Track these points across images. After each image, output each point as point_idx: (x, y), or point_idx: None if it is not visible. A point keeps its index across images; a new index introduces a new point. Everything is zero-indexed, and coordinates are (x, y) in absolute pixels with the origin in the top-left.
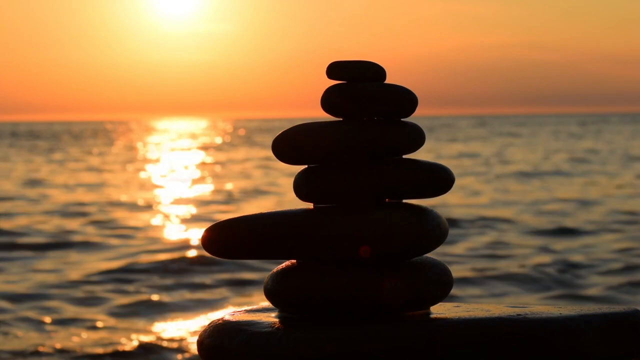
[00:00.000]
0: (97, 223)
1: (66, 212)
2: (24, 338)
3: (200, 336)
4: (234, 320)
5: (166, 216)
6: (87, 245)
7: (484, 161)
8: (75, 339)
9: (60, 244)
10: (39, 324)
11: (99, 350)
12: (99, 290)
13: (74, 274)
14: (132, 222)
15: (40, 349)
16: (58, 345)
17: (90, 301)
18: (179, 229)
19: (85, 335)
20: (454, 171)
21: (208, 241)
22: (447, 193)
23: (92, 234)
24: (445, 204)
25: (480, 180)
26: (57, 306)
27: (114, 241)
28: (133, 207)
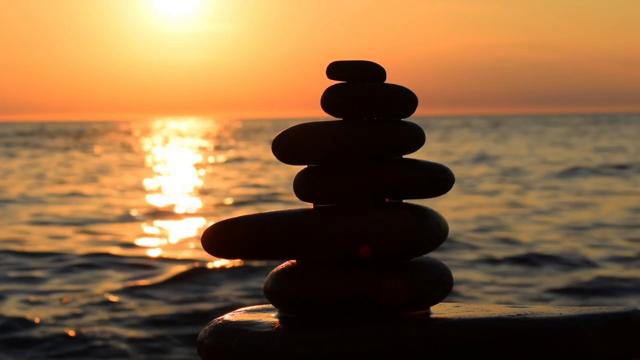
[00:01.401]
0: None
1: None
2: None
3: (200, 336)
4: (234, 320)
5: None
6: None
7: None
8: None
9: None
10: None
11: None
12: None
13: None
14: None
15: None
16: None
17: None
18: None
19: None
20: None
21: (207, 241)
22: None
23: None
24: None
25: None
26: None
27: None
28: None
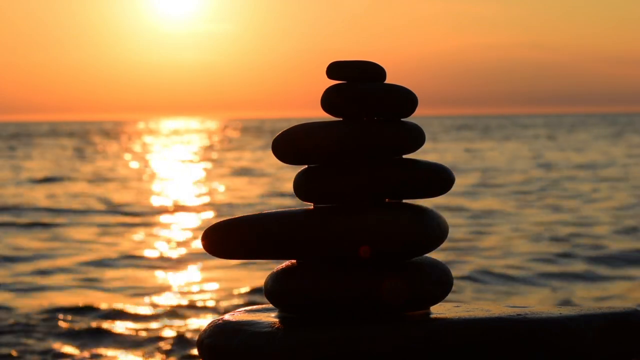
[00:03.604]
0: None
1: None
2: None
3: (200, 336)
4: (234, 320)
5: None
6: None
7: None
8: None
9: None
10: None
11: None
12: None
13: None
14: None
15: None
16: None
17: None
18: None
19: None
20: None
21: (208, 241)
22: None
23: None
24: None
25: None
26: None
27: None
28: None
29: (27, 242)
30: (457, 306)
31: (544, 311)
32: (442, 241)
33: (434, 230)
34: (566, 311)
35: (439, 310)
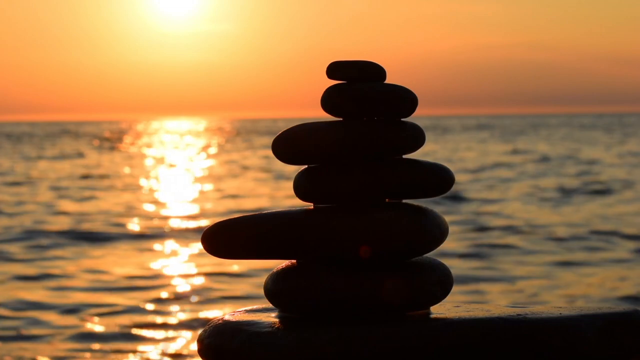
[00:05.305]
0: None
1: None
2: None
3: (200, 336)
4: (234, 320)
5: None
6: None
7: None
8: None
9: None
10: None
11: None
12: None
13: None
14: None
15: None
16: None
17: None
18: None
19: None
20: None
21: (208, 241)
22: None
23: None
24: None
25: None
26: None
27: None
28: None
29: None
30: (457, 306)
31: (544, 311)
32: (442, 241)
33: (434, 230)
34: (566, 311)
35: (439, 310)
